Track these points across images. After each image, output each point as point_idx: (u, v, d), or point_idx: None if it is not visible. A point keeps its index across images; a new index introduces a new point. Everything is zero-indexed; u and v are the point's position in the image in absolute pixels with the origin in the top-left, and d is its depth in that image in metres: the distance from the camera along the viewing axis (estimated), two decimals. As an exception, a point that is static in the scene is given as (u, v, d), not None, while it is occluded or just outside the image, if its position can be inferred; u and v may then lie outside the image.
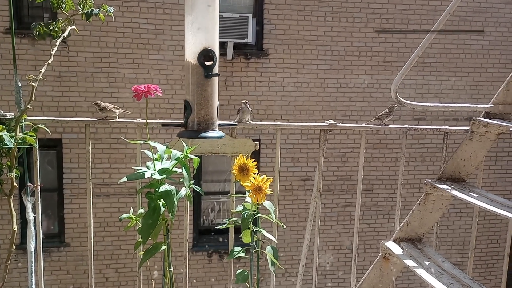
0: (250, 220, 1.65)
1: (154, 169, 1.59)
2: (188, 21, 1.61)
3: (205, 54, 1.61)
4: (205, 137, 1.70)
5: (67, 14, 1.76)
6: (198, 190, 1.69)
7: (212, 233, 6.61)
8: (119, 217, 1.83)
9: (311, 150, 6.56)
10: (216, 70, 1.64)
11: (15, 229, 1.54)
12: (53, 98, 5.96)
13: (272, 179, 1.64)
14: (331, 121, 2.03)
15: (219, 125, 1.70)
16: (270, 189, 1.65)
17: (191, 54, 1.63)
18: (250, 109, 1.99)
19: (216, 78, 1.65)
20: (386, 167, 6.86)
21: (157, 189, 1.59)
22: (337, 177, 6.78)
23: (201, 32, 1.62)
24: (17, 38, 5.59)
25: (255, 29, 6.39)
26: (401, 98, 1.98)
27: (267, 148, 6.39)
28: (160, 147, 1.61)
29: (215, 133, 1.71)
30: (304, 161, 6.67)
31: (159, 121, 1.83)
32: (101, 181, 6.07)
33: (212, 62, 1.62)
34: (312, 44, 6.57)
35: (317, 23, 6.55)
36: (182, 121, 1.69)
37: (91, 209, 1.84)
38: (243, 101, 2.00)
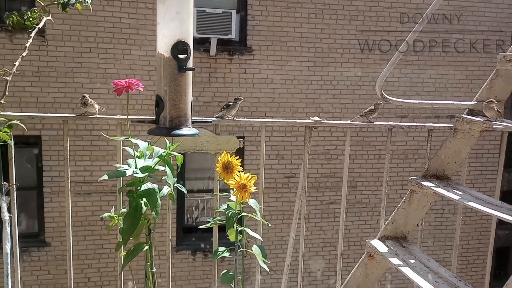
0: (234, 219, 1.62)
1: (136, 167, 1.54)
2: (160, 10, 1.54)
3: (179, 47, 1.55)
4: (177, 135, 1.65)
5: (42, 4, 1.69)
6: (181, 189, 1.65)
7: (196, 232, 6.56)
8: (100, 216, 1.77)
9: (295, 147, 6.56)
10: (190, 64, 1.58)
11: (-11, 230, 1.47)
12: (32, 93, 5.81)
13: (256, 177, 1.60)
14: (316, 118, 2.01)
15: (193, 121, 1.64)
16: (255, 187, 1.62)
17: (163, 46, 1.57)
18: (238, 105, 1.94)
19: (191, 73, 1.60)
20: (370, 164, 6.89)
21: (138, 188, 1.55)
22: (321, 175, 6.79)
23: (174, 23, 1.56)
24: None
25: (238, 25, 6.34)
26: (386, 95, 1.98)
27: (251, 145, 6.36)
28: (142, 144, 1.56)
29: (188, 130, 1.66)
30: (289, 159, 6.66)
31: (131, 117, 1.77)
32: (82, 179, 5.95)
33: (186, 55, 1.57)
34: (296, 41, 6.55)
35: (301, 20, 6.54)
36: (154, 117, 1.64)
37: (70, 208, 1.78)
38: (240, 97, 1.94)
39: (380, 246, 1.97)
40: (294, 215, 2.23)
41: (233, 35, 6.16)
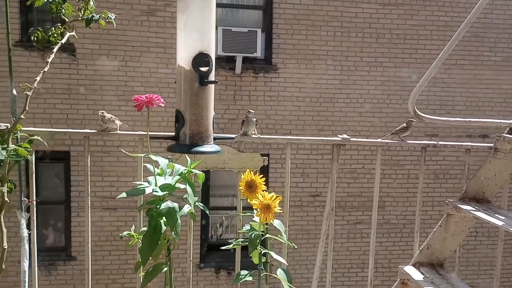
0: (258, 241, 1.51)
1: (156, 185, 1.47)
2: (181, 20, 1.47)
3: (201, 59, 1.46)
4: (197, 152, 1.56)
5: (67, 20, 1.67)
6: (203, 208, 1.56)
7: (220, 249, 6.45)
8: (120, 234, 1.70)
9: (321, 165, 6.42)
10: (212, 77, 1.50)
11: (5, 247, 1.43)
12: (62, 110, 5.92)
13: (281, 197, 1.50)
14: (345, 136, 1.90)
15: (215, 138, 1.54)
16: (280, 208, 1.52)
17: (184, 59, 1.48)
18: (255, 119, 1.84)
19: (212, 87, 1.50)
20: (398, 184, 6.68)
21: (158, 206, 1.47)
22: (348, 194, 6.61)
23: (195, 34, 1.48)
24: (26, 51, 5.59)
25: (264, 43, 6.32)
26: (419, 112, 1.85)
27: (276, 163, 6.26)
28: (163, 161, 1.49)
29: (209, 147, 1.57)
30: (314, 177, 6.52)
31: (154, 133, 1.71)
32: (109, 194, 5.97)
33: (208, 68, 1.47)
34: (321, 59, 6.48)
35: (327, 38, 6.47)
36: (174, 133, 1.55)
37: (89, 225, 1.73)
38: (251, 111, 1.85)
39: (415, 273, 1.82)
40: (321, 237, 2.11)
41: (259, 53, 6.15)
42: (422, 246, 1.90)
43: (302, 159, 6.42)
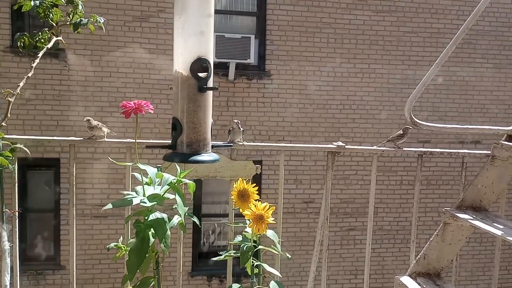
0: (250, 253, 1.45)
1: (144, 195, 1.41)
2: (177, 24, 1.40)
3: (199, 64, 1.40)
4: (196, 161, 1.49)
5: (54, 25, 1.61)
6: (194, 220, 1.50)
7: (212, 256, 6.36)
8: (107, 246, 1.64)
9: (314, 172, 6.37)
10: (211, 83, 1.44)
11: (-17, 262, 1.36)
12: (52, 117, 5.82)
13: (274, 207, 1.45)
14: (340, 143, 1.85)
15: (213, 146, 1.48)
16: (273, 218, 1.46)
17: (181, 64, 1.41)
18: (242, 129, 1.79)
19: (211, 93, 1.45)
20: (391, 190, 6.64)
21: (146, 218, 1.41)
22: (341, 200, 6.56)
23: (193, 38, 1.41)
24: (17, 56, 5.50)
25: (257, 49, 6.28)
26: (416, 119, 1.81)
27: (269, 170, 6.20)
28: (151, 170, 1.42)
29: (208, 156, 1.50)
30: (307, 183, 6.47)
31: (144, 141, 1.64)
32: (99, 202, 5.86)
33: (206, 73, 1.42)
34: (315, 65, 6.45)
35: (320, 45, 6.46)
36: (170, 141, 1.49)
37: (74, 237, 1.65)
38: (235, 120, 1.80)
39: (411, 284, 1.76)
40: (315, 247, 2.05)
41: (252, 59, 6.11)
42: (418, 256, 1.85)
43: (295, 165, 6.37)
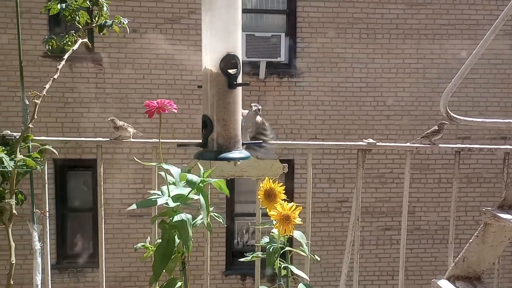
0: (276, 255, 1.40)
1: (169, 195, 1.39)
2: (206, 21, 1.38)
3: (228, 60, 1.37)
4: (227, 159, 1.45)
5: (81, 27, 1.62)
6: (217, 218, 1.46)
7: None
8: (134, 246, 1.63)
9: (348, 170, 6.23)
10: (240, 79, 1.41)
11: (13, 262, 1.37)
12: (89, 119, 5.98)
13: (301, 208, 1.39)
14: (370, 140, 1.77)
15: (243, 143, 1.44)
16: (300, 219, 1.41)
17: (210, 61, 1.39)
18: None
19: (240, 89, 1.41)
20: (429, 188, 6.41)
21: (171, 218, 1.39)
22: (376, 199, 6.39)
23: (222, 34, 1.39)
24: (55, 61, 5.67)
25: (288, 47, 6.22)
26: (452, 114, 1.70)
27: (301, 169, 6.12)
28: (175, 170, 1.40)
29: (239, 153, 1.46)
30: (341, 182, 6.34)
31: (174, 141, 1.63)
32: (134, 201, 5.97)
33: (236, 69, 1.39)
34: (347, 62, 6.32)
35: (352, 41, 6.31)
36: (201, 140, 1.46)
37: (103, 237, 1.66)
38: (252, 104, 1.70)
39: (449, 289, 1.66)
40: (346, 248, 1.98)
41: (283, 57, 6.05)
42: (457, 259, 1.74)
43: (328, 164, 6.26)
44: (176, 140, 1.83)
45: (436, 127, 1.87)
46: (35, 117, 1.41)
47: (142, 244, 1.62)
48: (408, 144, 1.81)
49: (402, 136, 6.24)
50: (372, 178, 6.29)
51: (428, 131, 1.88)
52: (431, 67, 6.40)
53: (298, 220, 1.39)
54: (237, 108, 1.44)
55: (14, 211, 1.38)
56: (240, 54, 1.43)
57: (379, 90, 6.39)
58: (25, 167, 1.36)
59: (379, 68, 6.37)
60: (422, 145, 1.84)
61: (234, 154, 1.44)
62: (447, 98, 1.69)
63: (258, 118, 1.62)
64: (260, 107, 1.64)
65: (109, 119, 1.69)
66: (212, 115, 1.43)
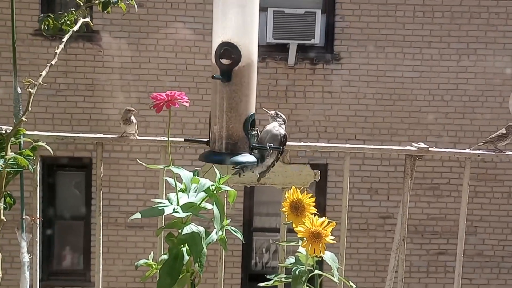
0: (303, 279, 1.44)
1: (178, 204, 1.45)
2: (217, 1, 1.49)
3: (222, 50, 1.46)
4: (211, 161, 1.55)
5: (82, 4, 1.70)
6: (234, 233, 1.51)
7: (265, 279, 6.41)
8: (135, 263, 1.70)
9: (394, 179, 6.19)
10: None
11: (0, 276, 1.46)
12: (84, 110, 6.14)
13: (335, 224, 1.43)
14: (422, 145, 1.79)
15: (253, 148, 1.51)
16: (333, 237, 1.44)
17: (213, 49, 1.50)
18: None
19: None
20: (495, 204, 6.33)
21: (180, 231, 1.45)
22: (428, 216, 6.35)
23: (220, 17, 1.47)
24: (47, 41, 5.85)
25: (324, 27, 6.23)
26: (523, 114, 1.71)
27: (337, 176, 6.13)
28: (186, 175, 1.46)
29: (242, 157, 1.54)
30: (385, 194, 6.32)
31: (181, 139, 1.70)
32: (135, 210, 6.09)
33: (230, 60, 1.46)
34: (396, 46, 6.29)
35: (404, 20, 6.28)
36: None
37: (101, 250, 1.73)
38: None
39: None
40: (388, 274, 2.00)
41: (317, 40, 6.07)
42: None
43: (370, 171, 6.24)
44: (182, 139, 1.89)
45: (503, 130, 1.88)
46: (29, 109, 1.49)
47: (144, 261, 1.69)
48: (468, 150, 1.82)
49: (463, 139, 6.18)
50: (423, 190, 6.24)
51: (493, 135, 1.89)
52: (503, 53, 6.31)
53: (330, 239, 1.42)
54: (233, 104, 1.51)
55: (2, 216, 1.47)
56: (245, 42, 1.49)
57: (436, 82, 6.34)
58: (15, 167, 1.44)
59: (436, 54, 6.32)
60: (486, 152, 1.85)
61: (221, 156, 1.52)
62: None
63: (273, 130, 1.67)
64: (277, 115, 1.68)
65: (126, 109, 1.77)
66: (214, 111, 1.53)
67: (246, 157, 1.50)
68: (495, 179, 6.31)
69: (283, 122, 1.66)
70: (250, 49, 1.49)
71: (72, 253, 6.44)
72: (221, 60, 1.47)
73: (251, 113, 1.53)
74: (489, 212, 6.35)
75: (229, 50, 1.46)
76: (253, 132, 1.54)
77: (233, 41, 1.46)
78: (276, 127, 1.62)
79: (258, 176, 1.69)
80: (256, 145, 1.54)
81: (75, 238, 6.38)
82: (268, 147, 1.57)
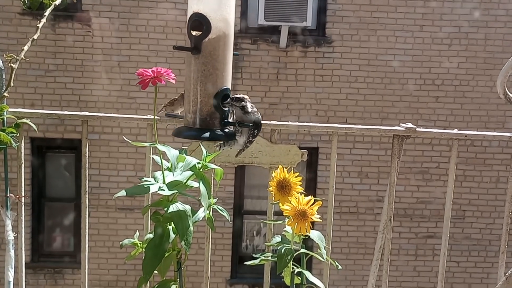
0: (289, 257, 1.45)
1: (164, 182, 1.44)
2: None
3: (193, 21, 1.49)
4: (183, 136, 1.60)
5: (65, -22, 1.66)
6: (221, 212, 1.51)
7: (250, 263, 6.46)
8: (120, 243, 1.70)
9: (384, 163, 6.23)
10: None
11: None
12: (74, 91, 6.09)
13: (321, 202, 1.43)
14: (409, 125, 1.79)
15: (225, 124, 1.54)
16: (319, 216, 1.44)
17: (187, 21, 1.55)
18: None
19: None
20: (484, 189, 6.38)
21: (166, 209, 1.44)
22: (417, 200, 6.40)
23: None
24: (35, 20, 5.76)
25: (316, 10, 6.19)
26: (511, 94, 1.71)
27: (327, 159, 6.14)
28: (172, 153, 1.45)
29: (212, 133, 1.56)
30: (375, 177, 6.36)
31: (164, 117, 1.70)
32: (125, 192, 6.10)
33: (200, 32, 1.48)
34: (388, 29, 6.28)
35: (396, 3, 6.26)
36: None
37: (86, 230, 1.73)
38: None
39: (497, 308, 1.69)
40: (374, 254, 2.02)
41: (309, 22, 6.03)
42: (509, 272, 1.76)
43: (360, 154, 6.27)
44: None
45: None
46: (12, 84, 1.47)
47: (130, 240, 1.69)
48: (455, 131, 1.82)
49: (453, 123, 6.20)
50: (413, 174, 6.28)
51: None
52: (494, 37, 6.31)
53: (316, 217, 1.42)
54: (201, 77, 1.54)
55: (-16, 194, 1.46)
56: (220, 13, 1.50)
57: (427, 65, 6.34)
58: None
59: (428, 38, 6.32)
60: (473, 133, 1.85)
61: (189, 132, 1.57)
62: (507, 76, 1.69)
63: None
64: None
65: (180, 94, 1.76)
66: (187, 85, 1.58)
67: (214, 134, 1.51)
68: (484, 163, 6.35)
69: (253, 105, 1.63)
70: (223, 21, 1.49)
71: (63, 234, 6.43)
72: (191, 32, 1.49)
73: (223, 87, 1.53)
74: (478, 196, 6.41)
75: (198, 21, 1.46)
76: (225, 108, 1.54)
77: (203, 12, 1.48)
78: (249, 107, 1.59)
79: (236, 153, 1.69)
80: (228, 121, 1.54)
81: (65, 219, 6.36)
82: (236, 124, 1.56)
